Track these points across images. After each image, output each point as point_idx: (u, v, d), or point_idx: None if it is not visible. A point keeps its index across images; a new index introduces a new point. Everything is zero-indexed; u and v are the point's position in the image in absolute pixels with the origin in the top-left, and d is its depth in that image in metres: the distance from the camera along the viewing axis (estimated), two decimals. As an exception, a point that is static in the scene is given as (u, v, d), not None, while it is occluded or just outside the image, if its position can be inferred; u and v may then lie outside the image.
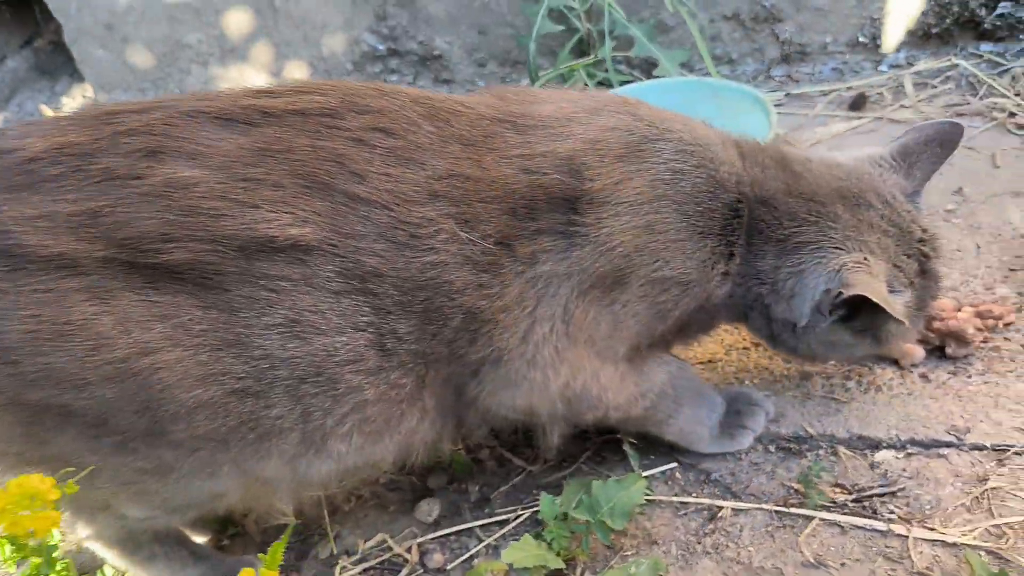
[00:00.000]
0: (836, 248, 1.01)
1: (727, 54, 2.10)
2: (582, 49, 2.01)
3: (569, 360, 1.00)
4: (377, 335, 0.93)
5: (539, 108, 1.03)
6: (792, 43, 2.06)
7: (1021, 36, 1.94)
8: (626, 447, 1.19)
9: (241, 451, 0.93)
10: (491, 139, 0.98)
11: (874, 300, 0.96)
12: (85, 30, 2.47)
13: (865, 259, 1.01)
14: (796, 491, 1.12)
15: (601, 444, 1.24)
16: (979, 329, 1.27)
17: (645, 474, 1.17)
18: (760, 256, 1.05)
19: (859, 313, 1.03)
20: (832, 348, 1.11)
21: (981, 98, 1.83)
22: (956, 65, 1.93)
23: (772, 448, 1.20)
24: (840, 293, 0.98)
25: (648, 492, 1.15)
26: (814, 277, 1.01)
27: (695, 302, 1.04)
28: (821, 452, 1.17)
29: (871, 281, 0.98)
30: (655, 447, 1.21)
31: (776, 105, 1.98)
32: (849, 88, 1.98)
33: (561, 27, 1.94)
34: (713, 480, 1.17)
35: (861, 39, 2.03)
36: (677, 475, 1.19)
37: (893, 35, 2.01)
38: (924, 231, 1.08)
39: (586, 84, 1.91)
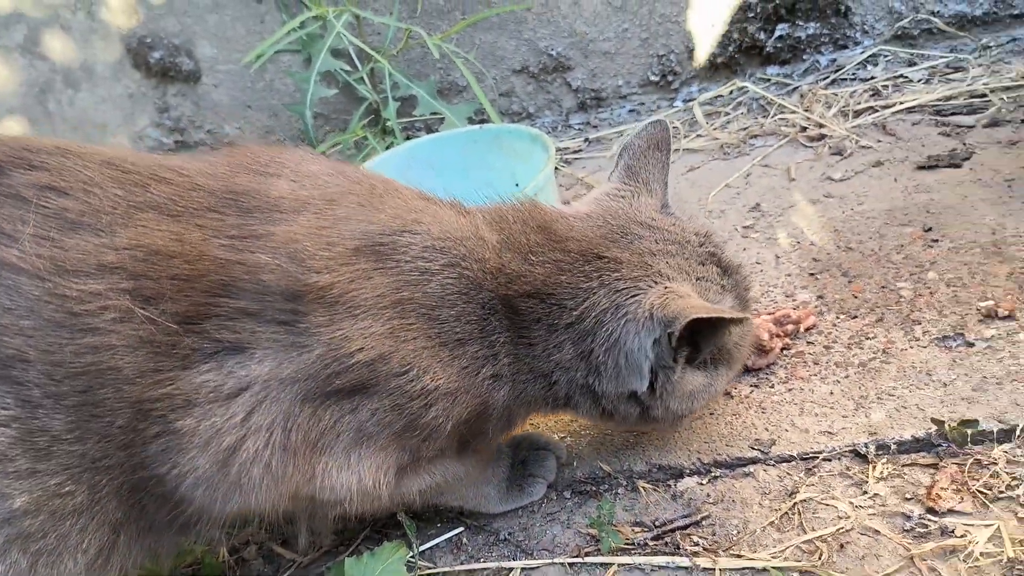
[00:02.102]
0: (634, 297, 0.89)
1: (524, 108, 2.05)
2: (376, 114, 1.92)
3: (292, 474, 0.82)
4: (24, 432, 0.75)
5: (273, 185, 0.87)
6: (586, 90, 2.03)
7: (803, 56, 1.96)
8: (402, 517, 1.02)
9: None
10: (202, 213, 0.82)
11: (706, 316, 0.84)
12: None
13: (666, 288, 0.89)
14: (594, 537, 0.98)
15: (387, 518, 1.08)
16: (776, 335, 1.19)
17: (429, 544, 1.01)
18: (556, 348, 0.90)
19: (701, 344, 0.91)
20: (693, 398, 0.95)
21: (772, 117, 1.82)
22: (745, 90, 1.92)
23: (568, 494, 1.05)
24: (672, 333, 0.86)
25: (430, 565, 0.99)
26: (634, 338, 0.88)
27: (470, 410, 0.88)
28: (620, 490, 1.04)
29: (688, 301, 0.87)
30: (441, 512, 1.05)
31: (575, 151, 1.93)
32: (646, 126, 1.94)
33: (334, 91, 1.84)
34: (503, 539, 1.01)
35: (652, 78, 2.01)
36: (464, 540, 1.03)
37: (682, 70, 2.00)
38: (698, 234, 0.99)
39: (375, 148, 1.81)
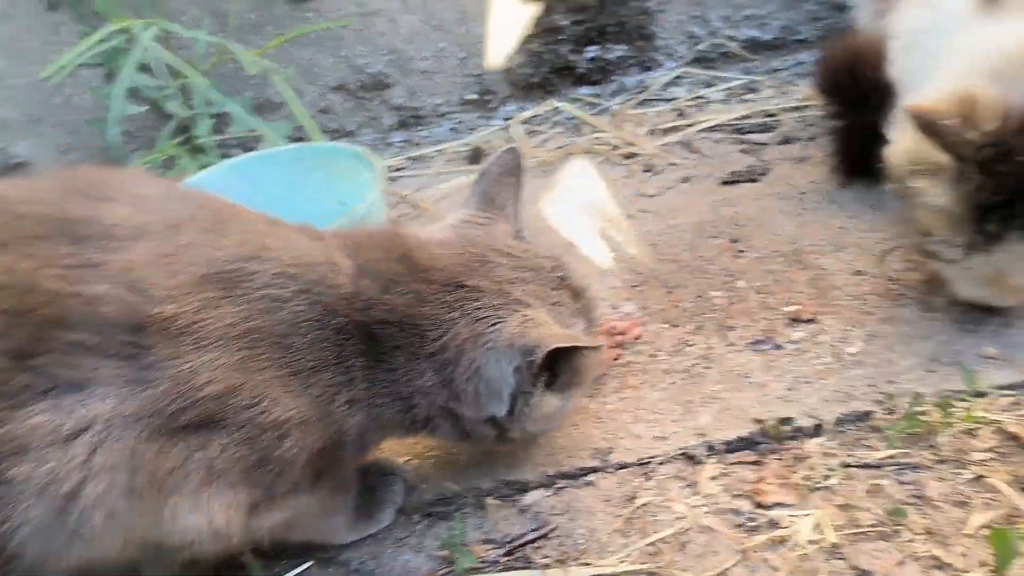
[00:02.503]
0: (495, 326, 0.90)
1: (343, 126, 2.02)
2: (187, 131, 1.83)
3: (139, 518, 0.78)
4: None
5: (109, 209, 0.82)
6: (405, 108, 2.03)
7: (612, 77, 2.06)
8: (247, 558, 0.98)
9: None
10: (30, 243, 0.76)
11: (567, 346, 0.88)
12: None
13: (525, 315, 0.92)
14: (447, 560, 0.98)
15: (225, 560, 1.02)
16: (609, 347, 1.24)
17: (274, 583, 0.98)
18: (417, 375, 0.91)
19: (559, 370, 0.93)
20: (549, 419, 0.99)
21: (585, 136, 1.89)
22: (559, 110, 2.00)
23: (416, 517, 1.05)
24: (532, 362, 0.89)
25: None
26: (495, 366, 0.90)
27: (325, 440, 0.87)
28: (469, 508, 1.05)
29: (547, 330, 0.90)
30: (286, 548, 1.01)
31: (397, 169, 1.92)
32: (466, 144, 1.97)
33: (144, 107, 1.74)
34: (354, 570, 0.99)
35: (470, 97, 2.04)
36: (313, 574, 1.00)
37: (499, 89, 2.04)
38: (549, 259, 1.02)
39: (187, 167, 1.72)
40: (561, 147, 1.87)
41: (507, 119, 2.05)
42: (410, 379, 0.90)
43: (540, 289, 0.96)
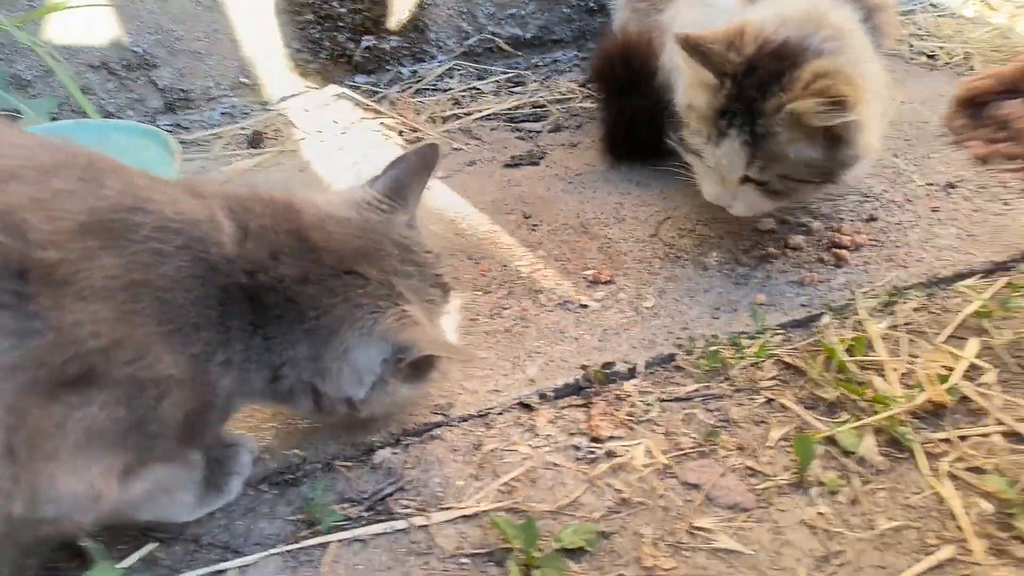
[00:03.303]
0: (374, 313, 0.92)
1: (103, 107, 1.89)
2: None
3: (17, 486, 0.71)
4: None
5: None
6: (174, 90, 1.94)
7: (388, 67, 2.10)
8: (87, 542, 0.92)
9: None
10: None
11: (437, 354, 0.93)
12: None
13: (404, 311, 0.93)
14: (305, 522, 0.98)
15: (58, 546, 0.95)
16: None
17: (120, 565, 0.92)
18: (289, 344, 0.90)
19: (423, 367, 0.98)
20: (397, 406, 1.05)
21: (367, 122, 1.92)
22: (341, 96, 2.01)
23: (265, 487, 1.03)
24: (402, 359, 0.93)
25: (126, 588, 0.90)
26: (364, 353, 0.92)
27: (200, 400, 0.84)
28: (319, 474, 1.05)
29: (423, 331, 0.93)
30: (129, 527, 0.96)
31: (171, 152, 1.83)
32: (243, 129, 1.92)
33: None
34: (206, 545, 0.96)
35: (244, 80, 1.99)
36: (160, 555, 0.95)
37: (276, 73, 2.01)
38: (430, 254, 1.04)
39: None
40: (344, 132, 1.89)
41: (283, 101, 2.02)
42: (283, 349, 0.90)
43: (421, 286, 0.99)
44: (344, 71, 2.07)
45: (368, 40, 2.05)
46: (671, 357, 1.20)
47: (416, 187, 1.06)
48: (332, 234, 0.94)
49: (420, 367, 0.97)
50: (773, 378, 1.16)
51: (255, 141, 1.85)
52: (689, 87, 1.33)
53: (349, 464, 1.06)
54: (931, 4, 2.72)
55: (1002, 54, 2.26)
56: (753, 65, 1.24)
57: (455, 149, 1.85)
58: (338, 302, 0.90)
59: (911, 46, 2.32)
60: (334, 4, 2.00)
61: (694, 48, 1.25)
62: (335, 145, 1.85)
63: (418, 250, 1.02)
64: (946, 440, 1.04)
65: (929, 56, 2.27)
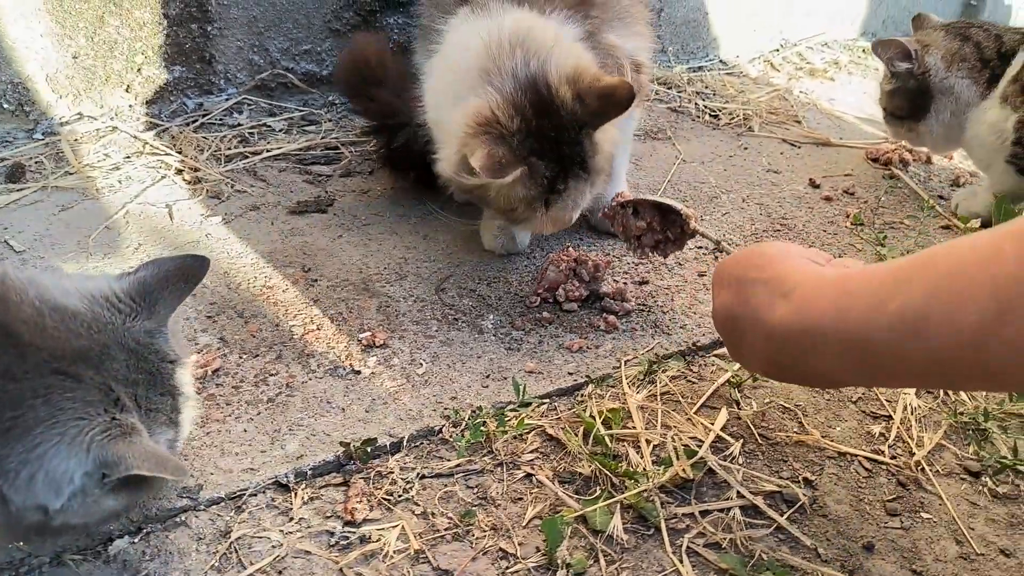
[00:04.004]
0: (80, 420, 0.83)
1: None
2: None
3: None
4: None
5: None
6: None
7: (171, 98, 2.00)
8: None
9: None
10: None
11: (147, 474, 0.83)
12: None
13: (114, 420, 0.85)
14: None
15: None
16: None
17: None
18: None
19: (130, 481, 0.86)
20: (99, 518, 0.90)
21: (144, 157, 1.81)
22: (115, 129, 1.88)
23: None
24: (106, 475, 0.83)
25: None
26: (62, 462, 0.82)
27: None
28: (46, 569, 0.96)
29: (134, 448, 0.84)
30: None
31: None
32: (2, 160, 1.76)
33: None
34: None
35: (6, 106, 1.83)
36: None
37: (40, 100, 1.86)
38: (165, 361, 0.95)
39: None
40: (118, 168, 1.77)
41: (48, 133, 1.87)
42: None
43: (146, 392, 0.92)
44: (121, 100, 1.95)
45: (148, 68, 1.94)
46: (438, 430, 1.20)
47: (170, 300, 0.98)
48: (47, 329, 0.86)
49: (130, 482, 0.90)
50: (535, 451, 1.18)
51: (14, 175, 1.70)
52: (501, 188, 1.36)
53: (80, 557, 0.98)
54: (721, 62, 2.90)
55: (777, 116, 2.44)
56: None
57: (237, 191, 1.78)
58: (39, 403, 0.82)
59: (697, 104, 2.46)
60: (109, 29, 1.88)
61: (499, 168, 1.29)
62: (106, 184, 1.73)
63: (153, 359, 0.94)
64: (690, 515, 1.09)
65: (713, 115, 2.41)
